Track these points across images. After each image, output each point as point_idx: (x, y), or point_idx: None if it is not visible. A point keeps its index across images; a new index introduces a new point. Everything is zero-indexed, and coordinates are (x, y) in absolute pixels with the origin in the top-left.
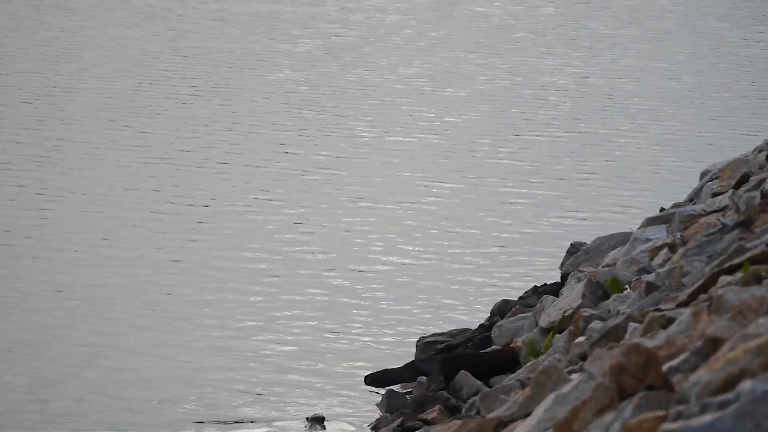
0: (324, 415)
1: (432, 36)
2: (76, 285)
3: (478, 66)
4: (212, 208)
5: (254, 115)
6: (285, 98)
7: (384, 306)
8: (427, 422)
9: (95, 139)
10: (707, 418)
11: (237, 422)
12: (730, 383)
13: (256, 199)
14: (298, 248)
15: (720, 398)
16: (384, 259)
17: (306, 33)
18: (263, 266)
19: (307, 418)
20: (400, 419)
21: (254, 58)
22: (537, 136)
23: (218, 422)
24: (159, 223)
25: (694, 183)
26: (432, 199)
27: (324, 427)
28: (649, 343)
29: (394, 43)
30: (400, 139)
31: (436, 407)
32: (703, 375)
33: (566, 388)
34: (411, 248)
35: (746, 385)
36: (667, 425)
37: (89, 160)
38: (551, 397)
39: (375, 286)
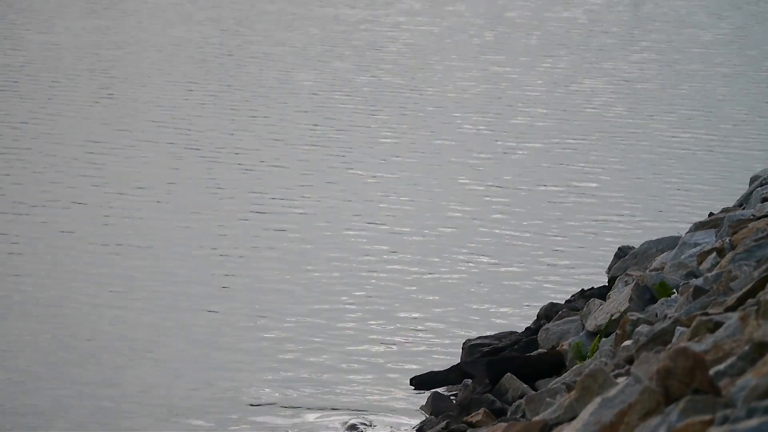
0: (358, 423)
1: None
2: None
3: (517, 67)
4: (248, 205)
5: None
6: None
7: (430, 308)
8: (472, 425)
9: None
10: (754, 422)
11: (275, 426)
12: None
13: (296, 194)
14: (343, 247)
15: (767, 402)
16: (431, 261)
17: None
18: (308, 265)
19: (346, 427)
20: (445, 422)
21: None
22: (585, 139)
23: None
24: (193, 218)
25: (744, 188)
26: (479, 202)
27: None
28: (696, 347)
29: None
30: (443, 140)
31: (482, 410)
32: (749, 379)
33: (612, 392)
34: (458, 251)
35: None
36: (713, 429)
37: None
38: (597, 400)
39: (422, 288)
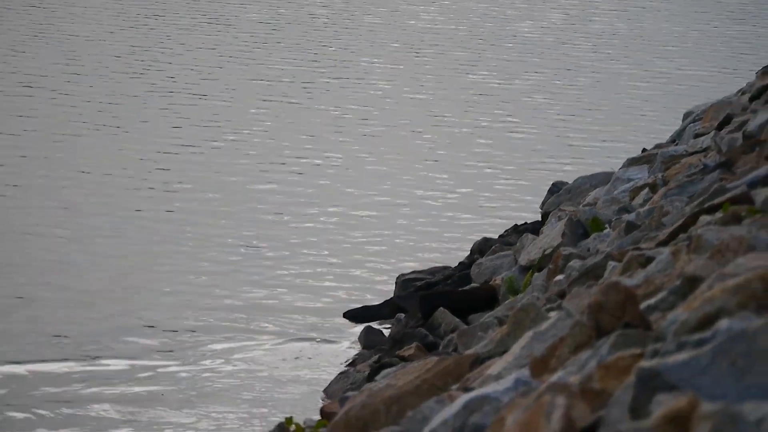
0: (290, 356)
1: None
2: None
3: (463, 36)
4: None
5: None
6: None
7: (363, 243)
8: (404, 359)
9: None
10: (683, 355)
11: (212, 357)
12: (707, 322)
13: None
14: (279, 187)
15: (696, 336)
16: (364, 197)
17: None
18: (247, 206)
19: (278, 359)
20: (378, 356)
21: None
22: (521, 80)
23: (193, 353)
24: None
25: (676, 124)
26: (414, 140)
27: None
28: (628, 281)
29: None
30: (389, 96)
31: (414, 344)
32: (680, 314)
33: (544, 326)
34: (391, 187)
35: (723, 323)
36: (643, 363)
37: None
38: (529, 334)
39: (354, 223)
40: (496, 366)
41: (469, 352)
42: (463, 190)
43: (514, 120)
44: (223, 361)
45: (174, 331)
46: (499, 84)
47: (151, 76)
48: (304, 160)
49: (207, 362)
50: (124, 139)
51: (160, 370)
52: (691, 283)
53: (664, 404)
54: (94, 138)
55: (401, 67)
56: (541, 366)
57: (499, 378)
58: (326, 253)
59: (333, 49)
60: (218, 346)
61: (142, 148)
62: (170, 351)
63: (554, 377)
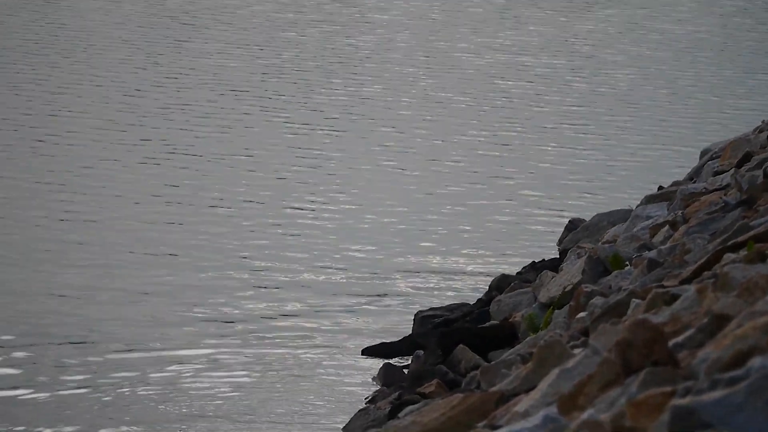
0: (310, 394)
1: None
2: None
3: (480, 46)
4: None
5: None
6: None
7: (382, 280)
8: (424, 396)
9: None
10: (717, 394)
11: (228, 391)
12: (739, 360)
13: (258, 176)
14: (299, 222)
15: (729, 374)
16: (384, 234)
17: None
18: (262, 240)
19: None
20: (398, 393)
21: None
22: (538, 113)
23: (203, 385)
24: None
25: (692, 162)
26: (432, 175)
27: None
28: (654, 319)
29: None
30: (403, 119)
31: (434, 381)
32: (711, 351)
33: (570, 363)
34: (410, 224)
35: (756, 361)
36: (677, 401)
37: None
38: (555, 371)
39: (374, 260)
40: (522, 403)
41: (494, 389)
42: (479, 226)
43: (528, 158)
44: (240, 396)
45: (180, 363)
46: (513, 121)
47: (149, 75)
48: (320, 195)
49: (224, 394)
50: (129, 141)
51: (144, 399)
52: (720, 321)
53: None
54: (96, 140)
55: (413, 99)
56: (569, 403)
57: (527, 415)
58: (344, 290)
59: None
60: (233, 380)
61: (146, 150)
62: (173, 383)
63: (585, 415)
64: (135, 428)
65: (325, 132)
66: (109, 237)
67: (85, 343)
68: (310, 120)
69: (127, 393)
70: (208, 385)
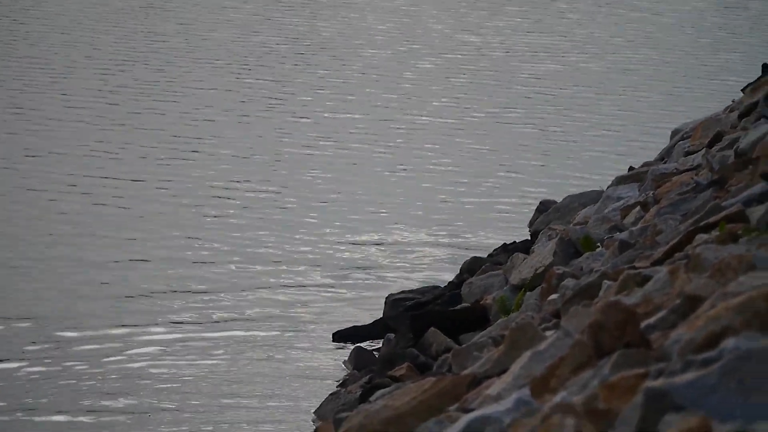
0: (280, 378)
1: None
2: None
3: (452, 28)
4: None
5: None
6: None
7: (353, 263)
8: (396, 379)
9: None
10: (690, 375)
11: (198, 377)
12: (712, 341)
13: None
14: (268, 207)
15: (703, 356)
16: (355, 218)
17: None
18: (232, 225)
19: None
20: (369, 376)
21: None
22: (508, 95)
23: (177, 371)
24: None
25: (663, 142)
26: (403, 158)
27: None
28: (626, 300)
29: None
30: (369, 105)
31: (405, 364)
32: (684, 333)
33: (542, 345)
34: (381, 207)
35: (729, 342)
36: (650, 383)
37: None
38: (527, 354)
39: (345, 243)
40: (494, 386)
41: (466, 372)
42: (450, 208)
43: (498, 140)
44: (210, 380)
45: (147, 346)
46: (482, 104)
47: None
48: (292, 178)
49: (192, 378)
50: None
51: (123, 414)
52: (692, 302)
53: (674, 424)
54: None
55: (382, 92)
56: (541, 386)
57: (499, 398)
58: (315, 272)
59: (328, 72)
60: (202, 364)
61: (142, 146)
62: (141, 367)
63: (557, 397)
64: (97, 411)
65: (288, 116)
66: (72, 214)
67: (45, 322)
68: (271, 105)
69: (88, 375)
70: (175, 369)
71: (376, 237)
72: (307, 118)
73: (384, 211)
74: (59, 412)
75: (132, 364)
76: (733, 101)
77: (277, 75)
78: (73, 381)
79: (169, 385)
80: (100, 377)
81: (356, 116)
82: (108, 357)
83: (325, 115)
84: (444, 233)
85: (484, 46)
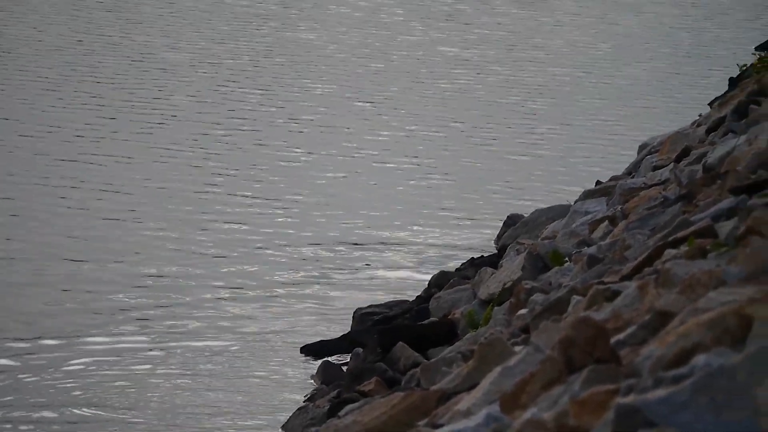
0: (248, 392)
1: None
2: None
3: (422, 39)
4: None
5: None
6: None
7: (321, 278)
8: (364, 394)
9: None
10: (662, 392)
11: (166, 391)
12: (683, 357)
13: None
14: (237, 221)
15: (674, 372)
16: (322, 232)
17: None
18: (202, 237)
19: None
20: (337, 391)
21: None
22: (475, 108)
23: (146, 388)
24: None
25: (630, 156)
26: (369, 171)
27: None
28: (595, 316)
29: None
30: (347, 119)
31: (374, 379)
32: (654, 349)
33: (512, 361)
34: (348, 222)
35: (700, 359)
36: (622, 399)
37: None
38: (497, 369)
39: (312, 257)
40: (464, 402)
41: (435, 387)
42: (417, 223)
43: (465, 154)
44: (177, 394)
45: (123, 358)
46: (448, 117)
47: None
48: (257, 190)
49: (158, 392)
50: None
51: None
52: (662, 317)
53: None
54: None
55: (348, 94)
56: (511, 401)
57: (469, 414)
58: (283, 287)
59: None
60: (168, 379)
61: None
62: (105, 377)
63: (528, 413)
64: (60, 422)
65: (239, 128)
66: (35, 223)
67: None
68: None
69: (51, 385)
70: (139, 382)
71: (344, 251)
72: (259, 130)
73: (351, 225)
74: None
75: (94, 374)
76: (700, 116)
77: (259, 83)
78: (21, 391)
79: (132, 398)
80: (60, 387)
81: (310, 134)
82: (64, 365)
83: (278, 122)
84: (412, 248)
85: (455, 58)
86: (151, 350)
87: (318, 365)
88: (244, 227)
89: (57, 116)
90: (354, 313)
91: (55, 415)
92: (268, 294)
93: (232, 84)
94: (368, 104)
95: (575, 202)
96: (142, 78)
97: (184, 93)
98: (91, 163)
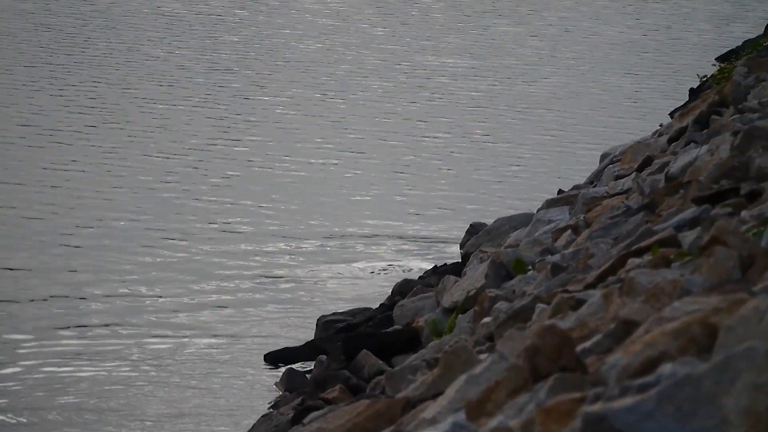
0: (212, 400)
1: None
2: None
3: (386, 47)
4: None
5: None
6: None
7: (284, 285)
8: (328, 401)
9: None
10: (628, 400)
11: (128, 399)
12: (648, 366)
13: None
14: (201, 224)
15: (640, 381)
16: (284, 237)
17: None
18: (164, 238)
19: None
20: (301, 398)
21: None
22: (438, 116)
23: (110, 392)
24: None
25: (592, 166)
26: (332, 178)
27: None
28: (561, 324)
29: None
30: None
31: (338, 386)
32: (620, 357)
33: (478, 369)
34: (311, 227)
35: (666, 368)
36: (588, 407)
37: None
38: (463, 377)
39: (275, 264)
40: (430, 410)
41: (400, 395)
42: (380, 231)
43: (428, 161)
44: (138, 401)
45: (84, 360)
46: (409, 125)
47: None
48: (224, 199)
49: (118, 398)
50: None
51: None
52: (627, 326)
53: None
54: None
55: (321, 108)
56: (477, 409)
57: (435, 422)
58: (246, 294)
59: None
60: (128, 385)
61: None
62: (78, 385)
63: (494, 422)
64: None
65: (214, 129)
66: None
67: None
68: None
69: (19, 386)
70: (99, 387)
71: (307, 259)
72: (231, 135)
73: (314, 232)
74: None
75: (57, 375)
76: (660, 125)
77: (247, 81)
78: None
79: (92, 404)
80: (19, 390)
81: (285, 137)
82: (31, 367)
83: (254, 131)
84: (375, 256)
85: (419, 67)
86: (112, 356)
87: (282, 372)
88: (207, 233)
89: (41, 118)
90: (318, 320)
91: (13, 417)
92: (231, 301)
93: (220, 80)
94: (328, 117)
95: (538, 210)
96: (128, 80)
97: (170, 94)
98: (67, 170)
